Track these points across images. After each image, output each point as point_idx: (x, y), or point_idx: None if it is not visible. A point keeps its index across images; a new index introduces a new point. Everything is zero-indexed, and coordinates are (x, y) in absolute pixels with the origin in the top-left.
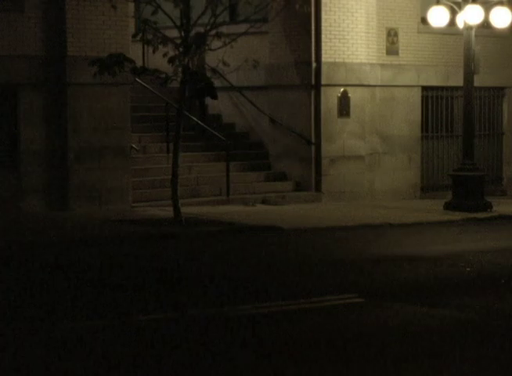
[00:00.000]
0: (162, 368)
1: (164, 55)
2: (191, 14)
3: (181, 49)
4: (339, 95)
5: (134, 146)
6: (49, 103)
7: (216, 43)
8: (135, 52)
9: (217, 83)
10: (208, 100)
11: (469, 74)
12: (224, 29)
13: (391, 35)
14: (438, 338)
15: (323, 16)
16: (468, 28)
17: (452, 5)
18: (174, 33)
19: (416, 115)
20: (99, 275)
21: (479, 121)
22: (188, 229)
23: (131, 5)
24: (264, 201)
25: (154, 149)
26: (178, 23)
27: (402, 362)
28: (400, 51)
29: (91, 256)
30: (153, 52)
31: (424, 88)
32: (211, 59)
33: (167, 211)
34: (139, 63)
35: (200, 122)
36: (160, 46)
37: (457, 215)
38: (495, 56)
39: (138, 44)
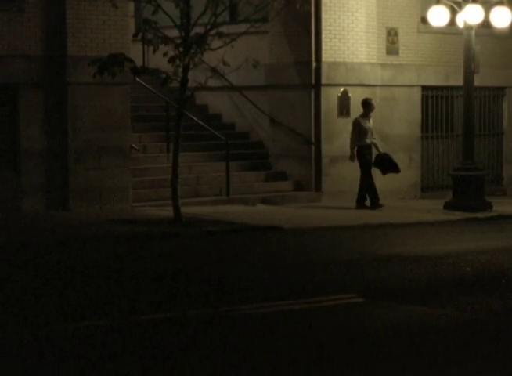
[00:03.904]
0: (162, 368)
1: (164, 54)
2: (191, 14)
3: (181, 49)
4: (339, 94)
5: (134, 145)
6: (49, 102)
7: (216, 43)
8: (135, 51)
9: (217, 83)
10: (208, 99)
11: (469, 74)
12: (224, 29)
13: (391, 35)
14: (438, 338)
15: (323, 15)
16: (468, 28)
17: (452, 4)
18: (174, 32)
19: (416, 115)
20: (99, 275)
21: (479, 120)
22: (188, 228)
23: (132, 5)
24: (264, 201)
25: (154, 148)
26: (179, 23)
27: (402, 361)
28: (400, 51)
29: (90, 256)
30: (153, 52)
31: (424, 88)
32: (211, 59)
33: (168, 211)
34: (139, 63)
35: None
36: (161, 46)
37: (457, 215)
38: (495, 55)
39: (139, 43)
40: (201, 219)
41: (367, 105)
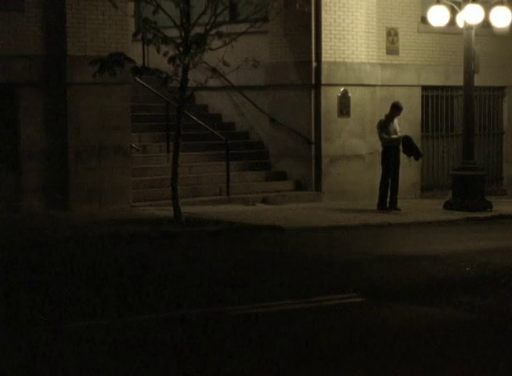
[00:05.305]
0: (161, 368)
1: (164, 54)
2: (191, 14)
3: (181, 49)
4: (339, 94)
5: (134, 145)
6: (49, 102)
7: (216, 42)
8: (135, 51)
9: (217, 83)
10: (208, 99)
11: (469, 74)
12: (224, 28)
13: (391, 35)
14: (438, 338)
15: (323, 15)
16: (468, 28)
17: (452, 4)
18: (174, 32)
19: (417, 115)
20: (99, 275)
21: (479, 120)
22: (188, 228)
23: (131, 5)
24: (264, 201)
25: (154, 148)
26: (179, 23)
27: (402, 361)
28: (400, 50)
29: (90, 256)
30: (158, 51)
31: (424, 88)
32: (211, 58)
33: (168, 211)
34: (139, 63)
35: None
36: (161, 46)
37: (457, 215)
38: (495, 55)
39: (139, 43)
40: (201, 219)
41: (396, 108)
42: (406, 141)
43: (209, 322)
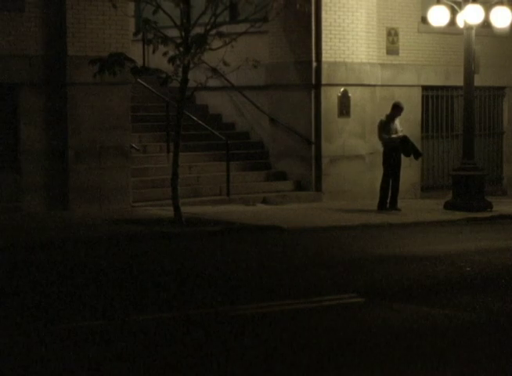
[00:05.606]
0: (161, 369)
1: (164, 54)
2: (191, 14)
3: (181, 49)
4: (339, 94)
5: (134, 145)
6: (49, 102)
7: (216, 43)
8: (135, 51)
9: (217, 83)
10: (208, 99)
11: (469, 74)
12: (224, 28)
13: (392, 35)
14: (438, 338)
15: (323, 15)
16: (468, 28)
17: (452, 4)
18: (174, 32)
19: (417, 115)
20: (99, 275)
21: (479, 120)
22: (188, 228)
23: (132, 5)
24: (264, 201)
25: (154, 148)
26: (179, 23)
27: (402, 361)
28: (400, 50)
29: (90, 256)
30: (153, 52)
31: (424, 88)
32: (211, 58)
33: (168, 211)
34: (139, 63)
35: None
36: (161, 46)
37: (457, 215)
38: (495, 55)
39: (139, 43)
40: (201, 219)
41: (397, 108)
42: (404, 141)
43: (209, 322)
